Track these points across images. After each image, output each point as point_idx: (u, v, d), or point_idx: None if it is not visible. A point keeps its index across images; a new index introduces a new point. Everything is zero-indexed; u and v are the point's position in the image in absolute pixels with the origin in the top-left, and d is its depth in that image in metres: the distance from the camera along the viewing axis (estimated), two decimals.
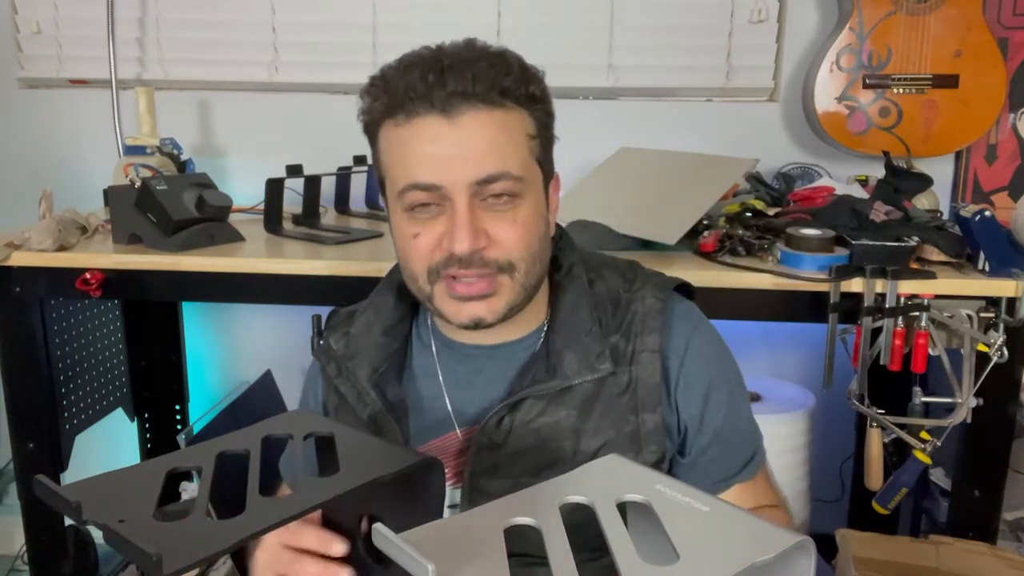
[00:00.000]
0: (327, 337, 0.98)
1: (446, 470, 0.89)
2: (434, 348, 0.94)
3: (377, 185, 0.90)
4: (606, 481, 0.63)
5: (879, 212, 1.40)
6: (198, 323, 2.10)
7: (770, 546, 0.53)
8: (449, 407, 0.92)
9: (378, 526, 0.53)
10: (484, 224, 0.81)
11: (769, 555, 0.52)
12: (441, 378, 0.93)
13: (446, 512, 0.88)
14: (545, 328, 0.91)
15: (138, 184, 1.42)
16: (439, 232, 0.81)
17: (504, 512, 0.58)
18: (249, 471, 0.68)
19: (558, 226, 0.96)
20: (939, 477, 1.59)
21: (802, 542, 0.53)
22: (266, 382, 1.97)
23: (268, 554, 0.73)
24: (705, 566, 0.52)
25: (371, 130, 0.85)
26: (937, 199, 1.65)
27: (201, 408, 2.09)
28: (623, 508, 0.62)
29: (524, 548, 0.87)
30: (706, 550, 0.54)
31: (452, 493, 0.89)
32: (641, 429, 0.86)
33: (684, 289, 0.96)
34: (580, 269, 0.92)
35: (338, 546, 0.71)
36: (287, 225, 1.65)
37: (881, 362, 1.30)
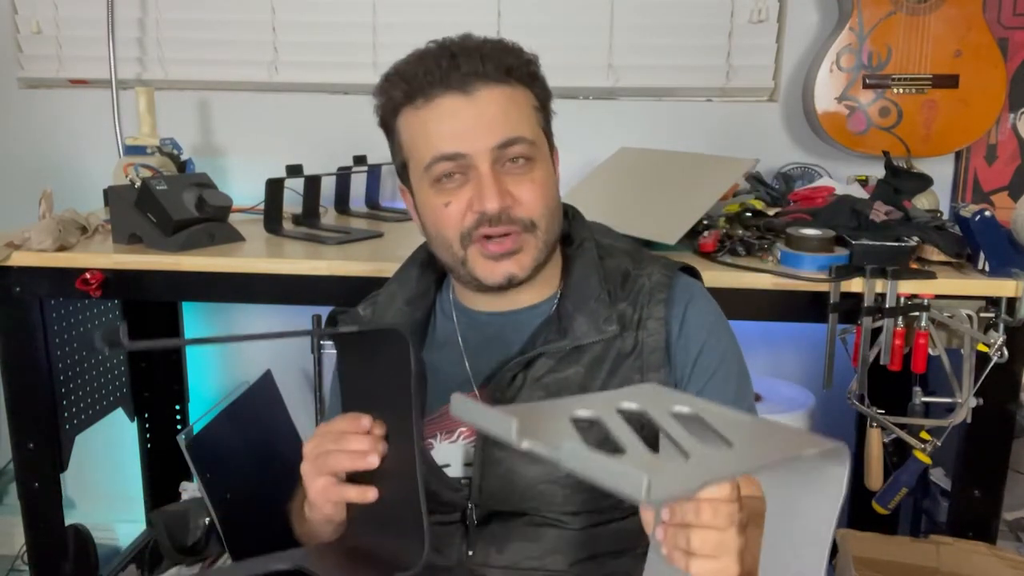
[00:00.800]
0: (357, 306, 1.06)
1: (464, 428, 0.97)
2: (455, 318, 1.01)
3: (397, 172, 0.97)
4: (655, 397, 0.65)
5: (879, 212, 1.40)
6: (198, 323, 2.10)
7: (812, 445, 0.55)
8: (468, 370, 0.98)
9: (457, 395, 0.57)
10: (507, 185, 0.89)
11: (813, 450, 0.53)
12: (461, 345, 1.00)
13: (462, 470, 0.95)
14: (558, 296, 0.98)
15: (138, 184, 1.42)
16: (468, 197, 0.90)
17: (568, 406, 0.61)
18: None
19: (570, 206, 1.04)
20: (939, 477, 1.59)
21: (841, 448, 0.55)
22: (266, 382, 1.97)
23: (313, 442, 0.83)
24: (754, 451, 0.55)
25: (389, 120, 0.94)
26: (937, 199, 1.65)
27: (201, 408, 2.09)
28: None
29: (534, 507, 0.90)
30: (754, 444, 0.56)
31: (468, 449, 0.95)
32: None
33: (690, 272, 1.03)
34: (591, 244, 1.00)
35: (365, 420, 0.82)
36: (287, 225, 1.65)
37: (881, 362, 1.30)
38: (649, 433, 0.59)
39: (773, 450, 0.55)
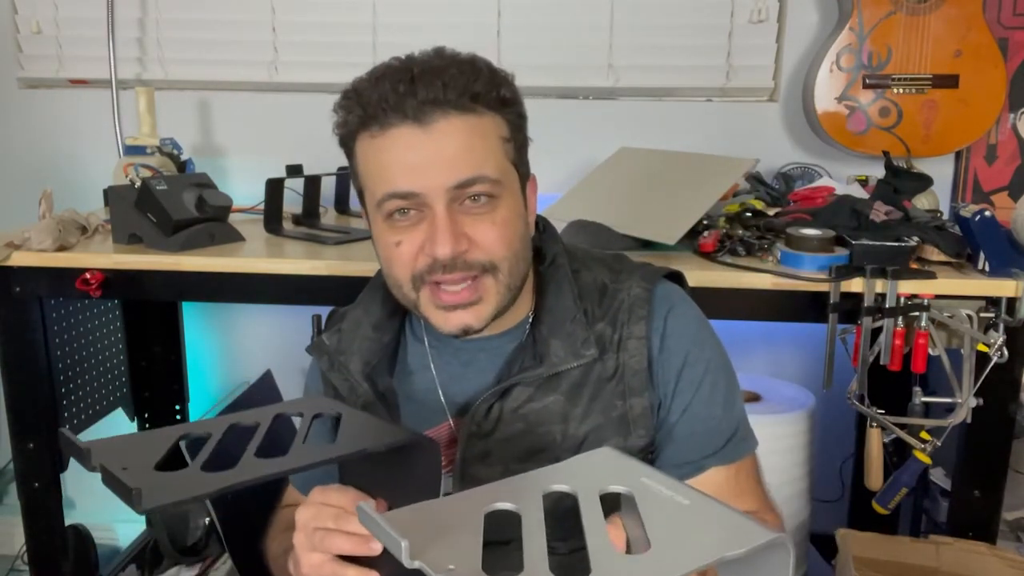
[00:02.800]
0: (321, 334, 1.00)
1: (440, 459, 0.90)
2: (426, 342, 0.96)
3: (357, 197, 0.91)
4: (594, 472, 0.64)
5: (879, 212, 1.40)
6: (198, 323, 2.10)
7: (743, 541, 0.53)
8: (442, 398, 0.94)
9: (361, 504, 0.54)
10: (464, 228, 0.82)
11: (740, 550, 0.52)
12: (434, 371, 0.95)
13: None
14: (531, 318, 0.93)
15: (138, 184, 1.42)
16: (421, 239, 0.83)
17: (488, 497, 0.60)
18: (253, 438, 0.69)
19: (542, 218, 0.98)
20: (939, 477, 1.59)
21: (778, 539, 0.53)
22: (266, 382, 1.97)
23: (310, 512, 0.74)
24: (673, 556, 0.52)
25: (347, 143, 0.87)
26: (937, 199, 1.65)
27: (201, 408, 2.09)
28: (617, 500, 0.62)
29: (519, 536, 0.88)
30: (678, 541, 0.54)
31: (445, 481, 0.90)
32: (629, 414, 0.88)
33: (675, 278, 0.97)
34: (564, 259, 0.94)
35: (369, 505, 0.73)
36: (287, 225, 1.65)
37: (881, 362, 1.30)
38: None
39: (696, 550, 0.53)
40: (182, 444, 0.71)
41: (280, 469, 0.62)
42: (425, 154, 0.80)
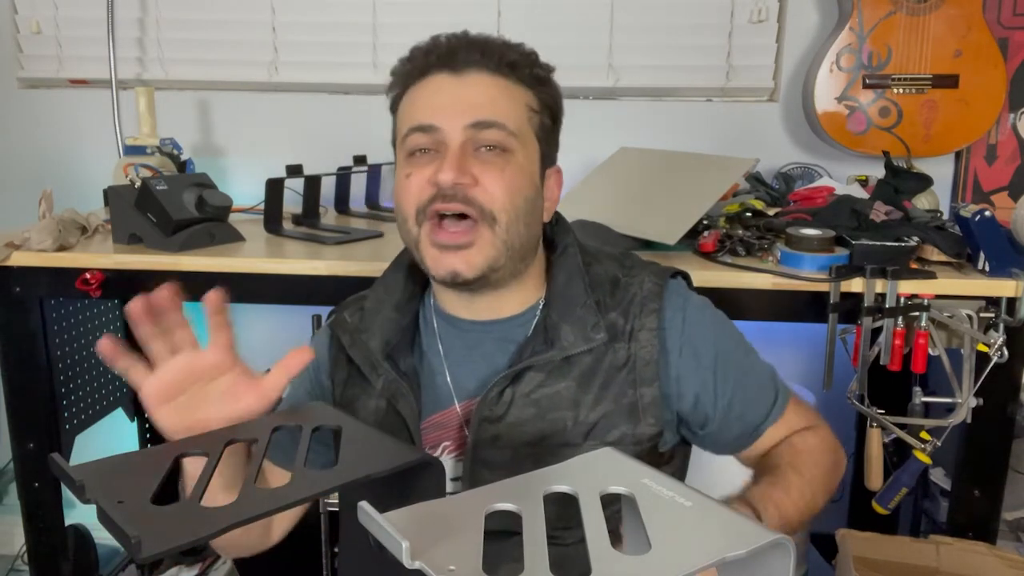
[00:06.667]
0: (340, 312, 1.01)
1: (448, 442, 0.92)
2: (435, 325, 0.97)
3: (394, 156, 0.95)
4: (595, 473, 0.64)
5: (879, 212, 1.40)
6: (198, 323, 2.10)
7: (744, 542, 0.53)
8: (449, 381, 0.95)
9: (363, 504, 0.54)
10: (473, 168, 0.85)
11: (741, 551, 0.52)
12: (443, 353, 0.96)
13: (449, 485, 0.90)
14: (541, 305, 0.94)
15: (138, 184, 1.42)
16: (430, 172, 0.86)
17: (489, 497, 0.60)
18: (252, 459, 0.69)
19: (555, 211, 1.00)
20: (939, 477, 1.59)
21: (779, 540, 0.53)
22: None
23: None
24: (673, 557, 0.52)
25: (396, 104, 0.93)
26: (937, 199, 1.65)
27: None
28: (617, 501, 0.63)
29: (519, 527, 0.88)
30: (678, 543, 0.54)
31: (455, 465, 0.92)
32: (639, 402, 0.90)
33: (681, 277, 0.99)
34: (575, 249, 0.96)
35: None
36: (287, 225, 1.65)
37: (881, 362, 1.30)
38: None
39: (697, 551, 0.52)
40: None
41: (283, 503, 0.62)
42: (452, 95, 0.87)
